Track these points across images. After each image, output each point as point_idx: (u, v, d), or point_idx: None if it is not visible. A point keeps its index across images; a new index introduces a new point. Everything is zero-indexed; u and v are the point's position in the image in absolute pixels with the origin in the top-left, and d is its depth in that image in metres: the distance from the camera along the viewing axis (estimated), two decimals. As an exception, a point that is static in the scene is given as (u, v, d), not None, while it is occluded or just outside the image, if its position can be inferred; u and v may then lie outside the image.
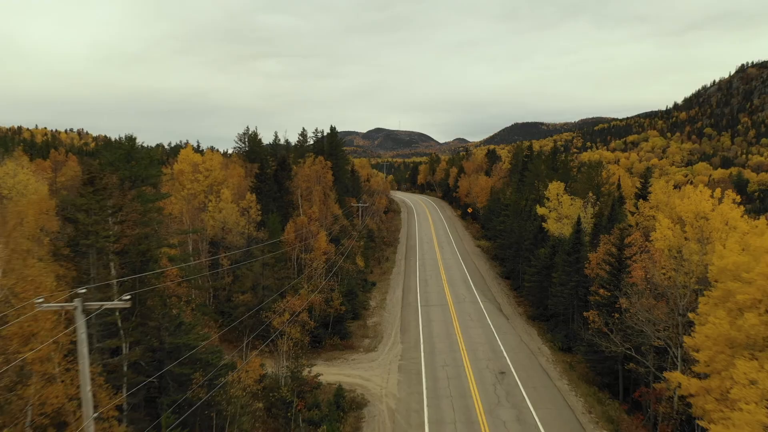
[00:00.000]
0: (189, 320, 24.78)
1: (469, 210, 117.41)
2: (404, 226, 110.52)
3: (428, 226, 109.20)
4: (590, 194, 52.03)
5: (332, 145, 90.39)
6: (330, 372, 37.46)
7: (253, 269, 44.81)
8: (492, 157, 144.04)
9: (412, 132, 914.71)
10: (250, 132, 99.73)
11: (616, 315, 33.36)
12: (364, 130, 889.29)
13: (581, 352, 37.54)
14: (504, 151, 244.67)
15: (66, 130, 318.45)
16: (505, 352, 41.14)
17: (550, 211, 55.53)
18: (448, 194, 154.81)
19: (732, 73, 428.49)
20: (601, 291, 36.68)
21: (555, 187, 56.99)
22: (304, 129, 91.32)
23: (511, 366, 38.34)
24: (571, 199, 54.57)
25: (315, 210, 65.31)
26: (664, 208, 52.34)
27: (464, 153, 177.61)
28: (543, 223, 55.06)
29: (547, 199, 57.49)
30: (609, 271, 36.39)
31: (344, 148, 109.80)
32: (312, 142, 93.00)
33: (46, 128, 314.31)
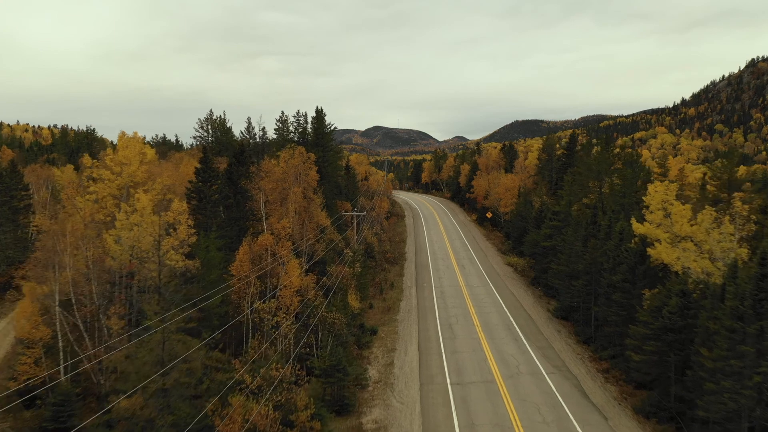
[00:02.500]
0: None
1: (488, 215, 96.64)
2: (411, 235, 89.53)
3: (440, 236, 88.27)
4: (736, 201, 31.01)
5: (318, 134, 69.26)
6: None
7: (150, 345, 23.84)
8: (509, 152, 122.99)
9: (411, 130, 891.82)
10: (214, 117, 78.61)
11: None
12: (363, 128, 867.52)
13: None
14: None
15: (49, 126, 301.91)
16: None
17: (656, 227, 34.68)
18: (459, 195, 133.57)
19: (742, 68, 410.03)
20: None
21: (660, 191, 36.03)
22: (283, 113, 70.05)
23: None
24: (692, 210, 33.75)
25: (287, 223, 44.39)
26: None
27: (476, 147, 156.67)
28: (648, 249, 34.13)
29: (646, 208, 36.71)
30: None
31: (342, 146, 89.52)
32: (293, 129, 71.67)
33: (27, 124, 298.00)
